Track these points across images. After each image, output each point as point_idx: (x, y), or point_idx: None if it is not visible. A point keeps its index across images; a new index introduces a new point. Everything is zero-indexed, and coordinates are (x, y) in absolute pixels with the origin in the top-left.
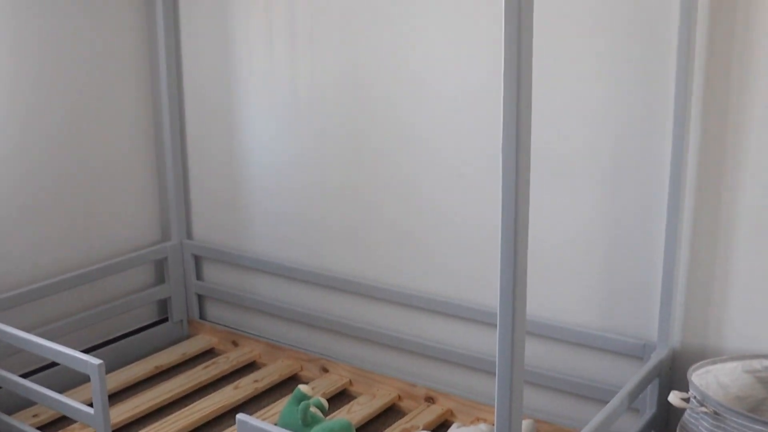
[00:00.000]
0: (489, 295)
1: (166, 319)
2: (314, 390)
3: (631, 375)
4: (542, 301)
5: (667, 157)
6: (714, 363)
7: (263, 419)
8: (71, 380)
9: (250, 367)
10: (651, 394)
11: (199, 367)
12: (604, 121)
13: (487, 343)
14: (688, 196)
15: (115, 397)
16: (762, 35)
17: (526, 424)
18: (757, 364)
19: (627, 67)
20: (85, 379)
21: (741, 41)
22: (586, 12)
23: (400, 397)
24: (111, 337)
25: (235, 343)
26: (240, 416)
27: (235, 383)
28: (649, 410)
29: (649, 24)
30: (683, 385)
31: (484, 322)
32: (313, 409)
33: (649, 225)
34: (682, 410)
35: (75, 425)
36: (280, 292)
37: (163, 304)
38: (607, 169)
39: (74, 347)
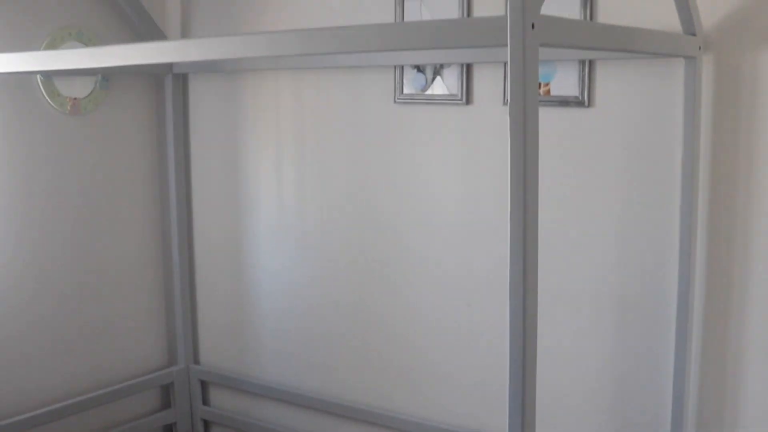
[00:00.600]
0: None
1: None
2: None
3: None
4: (552, 430)
5: (674, 286)
6: None
7: None
8: None
9: None
10: None
11: None
12: (610, 257)
13: None
14: (696, 326)
15: None
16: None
17: None
18: None
19: (633, 209)
20: None
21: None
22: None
23: None
24: None
25: None
26: None
27: None
28: None
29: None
30: None
31: None
32: None
33: (658, 354)
34: None
35: None
36: (288, 419)
37: (169, 429)
38: (616, 300)
39: None
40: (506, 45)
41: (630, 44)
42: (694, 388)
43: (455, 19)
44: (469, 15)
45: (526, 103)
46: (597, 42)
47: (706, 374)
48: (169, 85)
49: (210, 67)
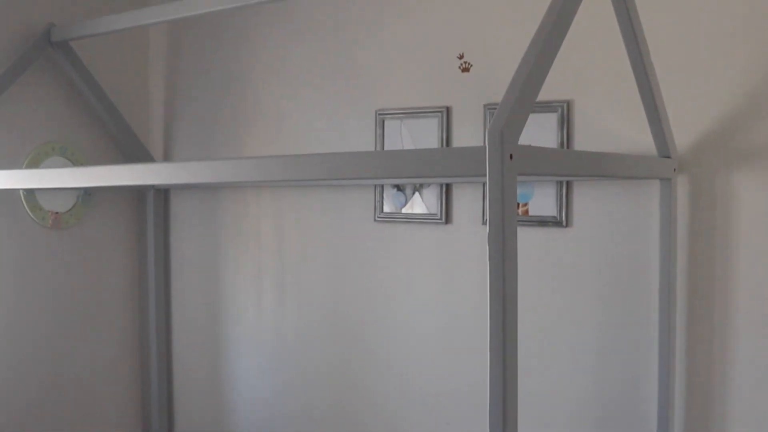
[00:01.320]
0: None
1: None
2: None
3: None
4: None
5: (653, 402)
6: None
7: None
8: None
9: None
10: None
11: None
12: (589, 375)
13: None
14: None
15: None
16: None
17: None
18: None
19: (612, 327)
20: None
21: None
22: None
23: None
24: None
25: None
26: None
27: None
28: None
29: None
30: None
31: None
32: None
33: None
34: None
35: None
36: None
37: None
38: (596, 416)
39: None
40: (485, 174)
41: (606, 169)
42: None
43: (435, 149)
44: (448, 135)
45: (505, 229)
46: (574, 169)
47: None
48: (150, 200)
49: (192, 184)
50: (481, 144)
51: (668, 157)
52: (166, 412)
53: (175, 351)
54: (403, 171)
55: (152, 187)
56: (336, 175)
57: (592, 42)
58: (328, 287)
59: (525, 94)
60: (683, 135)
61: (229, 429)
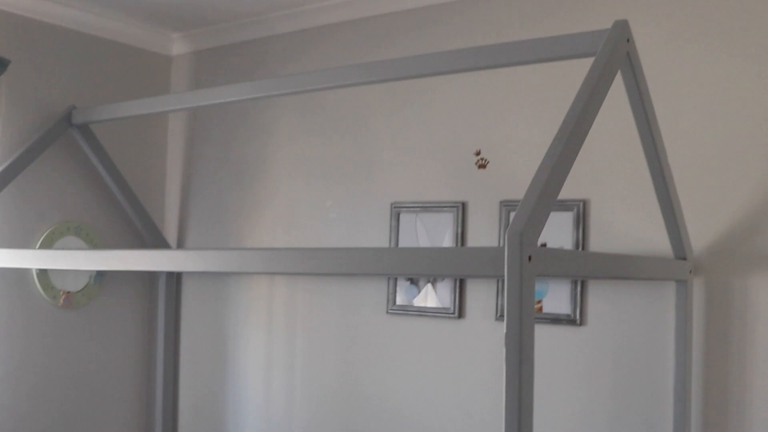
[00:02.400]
0: None
1: None
2: None
3: None
4: None
5: None
6: None
7: None
8: None
9: None
10: None
11: None
12: None
13: None
14: None
15: None
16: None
17: None
18: None
19: (626, 428)
20: None
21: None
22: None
23: None
24: None
25: None
26: None
27: None
28: None
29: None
30: None
31: None
32: None
33: None
34: None
35: None
36: None
37: None
38: None
39: None
40: (503, 276)
41: (623, 271)
42: None
43: (452, 248)
44: (463, 230)
45: (523, 331)
46: (591, 271)
47: None
48: (162, 283)
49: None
50: (497, 241)
51: (684, 259)
52: None
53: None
54: (420, 269)
55: (164, 271)
56: (350, 270)
57: (610, 142)
58: (339, 378)
59: (545, 195)
60: (699, 237)
61: None
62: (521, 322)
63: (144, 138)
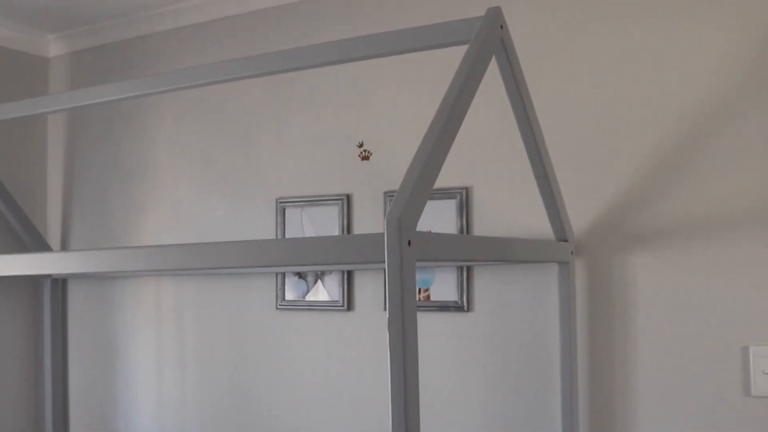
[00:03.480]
0: None
1: None
2: None
3: None
4: None
5: None
6: None
7: None
8: None
9: None
10: None
11: None
12: None
13: None
14: None
15: None
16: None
17: None
18: None
19: (516, 409)
20: None
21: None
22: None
23: None
24: None
25: None
26: None
27: None
28: None
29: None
30: None
31: None
32: None
33: None
34: None
35: None
36: None
37: None
38: None
39: None
40: (383, 261)
41: (506, 254)
42: None
43: (334, 236)
44: (349, 222)
45: (405, 315)
46: (472, 254)
47: None
48: (47, 290)
49: (91, 273)
50: (381, 231)
51: (565, 241)
52: None
53: None
54: (303, 258)
55: (49, 276)
56: (235, 263)
57: (489, 130)
58: (231, 376)
59: (422, 181)
60: (580, 219)
61: None
62: (403, 307)
63: (22, 142)
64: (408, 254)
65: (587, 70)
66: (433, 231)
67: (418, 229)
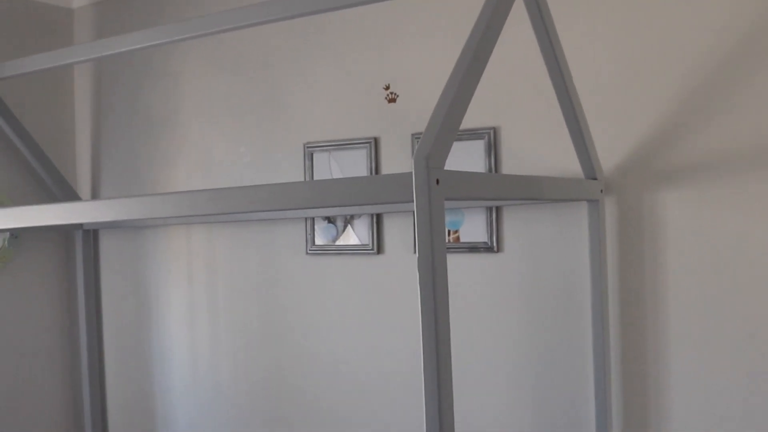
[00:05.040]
0: None
1: None
2: None
3: None
4: None
5: (592, 427)
6: None
7: None
8: None
9: None
10: None
11: None
12: (527, 396)
13: None
14: None
15: None
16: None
17: None
18: None
19: (547, 348)
20: None
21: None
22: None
23: None
24: None
25: None
26: None
27: None
28: None
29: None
30: None
31: None
32: None
33: None
34: None
35: None
36: None
37: None
38: None
39: None
40: (412, 201)
41: (534, 192)
42: None
43: (361, 177)
44: (377, 165)
45: (435, 254)
46: (501, 193)
47: None
48: (79, 241)
49: (121, 223)
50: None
51: (594, 179)
52: None
53: (109, 394)
54: (331, 200)
55: (80, 227)
56: (263, 206)
57: (517, 69)
58: (262, 321)
59: (449, 121)
60: (609, 157)
61: None
62: (433, 246)
63: (49, 94)
64: (437, 193)
65: (615, 7)
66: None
67: (444, 168)
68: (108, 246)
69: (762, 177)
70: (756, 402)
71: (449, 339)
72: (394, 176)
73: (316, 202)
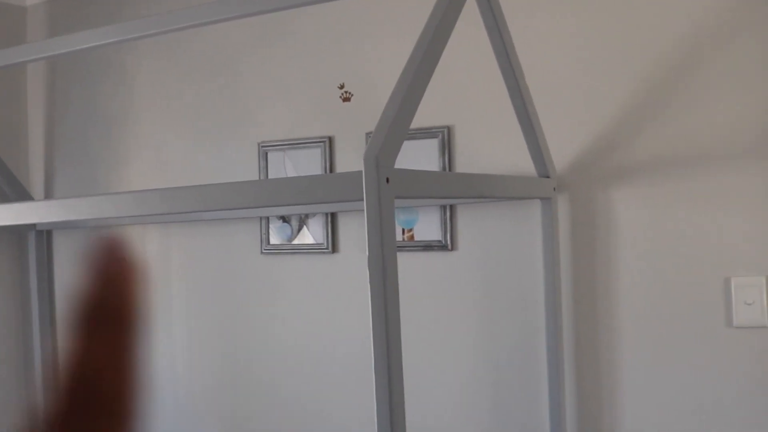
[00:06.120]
0: None
1: None
2: None
3: None
4: None
5: (545, 422)
6: None
7: None
8: None
9: None
10: None
11: None
12: (482, 396)
13: None
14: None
15: None
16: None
17: None
18: None
19: (501, 346)
20: None
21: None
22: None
23: None
24: None
25: None
26: None
27: None
28: None
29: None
30: None
31: None
32: None
33: None
34: None
35: None
36: None
37: None
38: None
39: None
40: (362, 199)
41: (486, 190)
42: None
43: (312, 176)
44: (331, 164)
45: (384, 251)
46: (453, 191)
47: None
48: (32, 242)
49: (74, 224)
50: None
51: (547, 177)
52: None
53: None
54: (282, 198)
55: (33, 227)
56: (215, 205)
57: (471, 68)
58: (218, 322)
59: (399, 119)
60: (561, 155)
61: None
62: (383, 244)
63: (1, 92)
64: (386, 191)
65: (569, 8)
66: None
67: (394, 166)
68: (62, 247)
69: (710, 174)
70: (706, 394)
71: (399, 335)
72: (344, 175)
73: (268, 200)
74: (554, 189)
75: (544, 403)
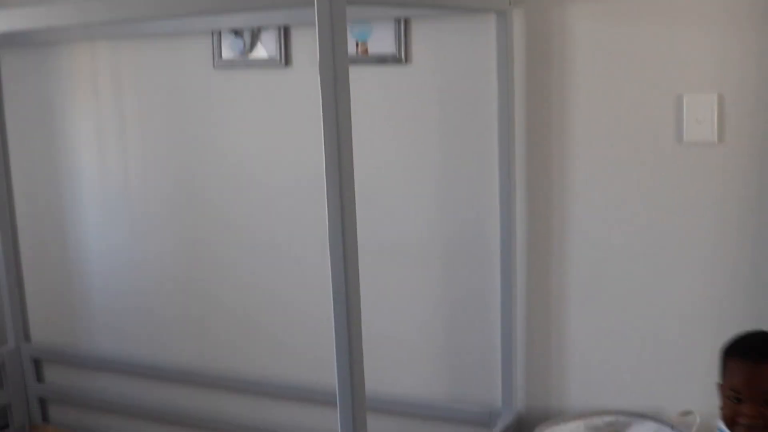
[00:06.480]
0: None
1: (6, 426)
2: None
3: None
4: (389, 379)
5: (496, 234)
6: (558, 423)
7: None
8: None
9: None
10: None
11: None
12: (433, 208)
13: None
14: (519, 270)
15: None
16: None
17: None
18: (598, 420)
19: (453, 161)
20: None
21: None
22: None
23: None
24: None
25: None
26: None
27: None
28: None
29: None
30: None
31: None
32: None
33: (485, 298)
34: None
35: None
36: (125, 389)
37: (3, 411)
38: (441, 252)
39: None
40: (313, 5)
41: (441, 0)
42: (522, 326)
43: None
44: None
45: (336, 62)
46: None
47: (532, 314)
48: None
49: (22, 41)
50: None
51: None
52: (15, 280)
53: (19, 220)
54: (232, 4)
55: None
56: (165, 12)
57: None
58: (171, 139)
59: None
60: None
61: (82, 295)
62: (334, 53)
63: None
64: None
65: None
66: None
67: None
68: (10, 66)
69: None
70: (656, 212)
71: (351, 146)
72: None
73: (218, 6)
74: (510, 3)
75: (495, 228)
